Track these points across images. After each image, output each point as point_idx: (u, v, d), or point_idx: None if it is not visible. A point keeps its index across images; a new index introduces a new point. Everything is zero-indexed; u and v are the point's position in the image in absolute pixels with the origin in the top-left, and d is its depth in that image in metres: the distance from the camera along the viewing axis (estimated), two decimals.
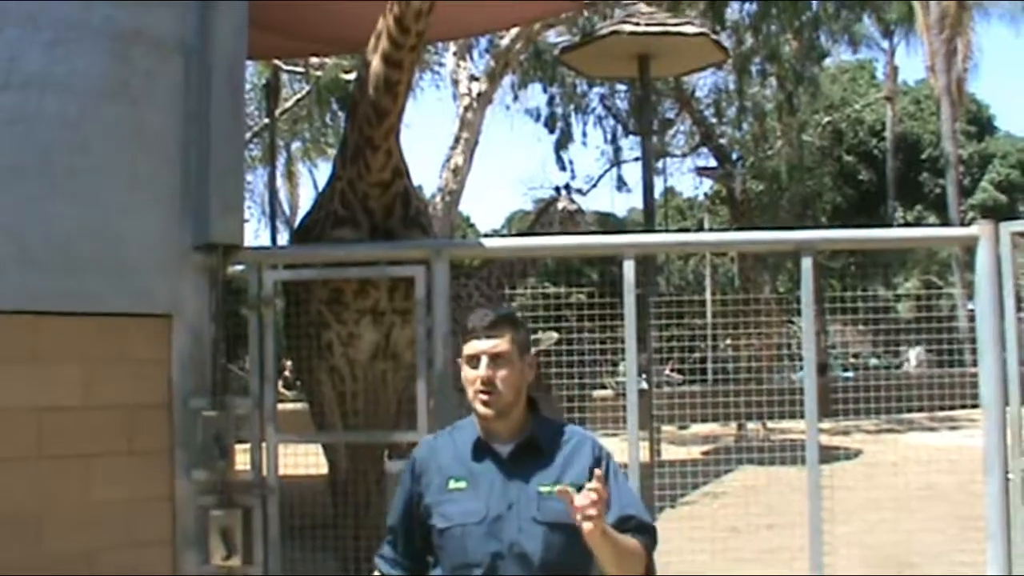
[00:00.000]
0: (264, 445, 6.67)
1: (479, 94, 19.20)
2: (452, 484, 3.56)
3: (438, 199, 17.69)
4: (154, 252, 6.48)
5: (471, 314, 3.66)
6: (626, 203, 58.79)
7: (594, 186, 35.70)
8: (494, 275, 12.37)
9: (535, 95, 31.06)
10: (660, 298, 12.41)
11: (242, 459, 6.69)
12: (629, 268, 6.75)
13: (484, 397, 3.52)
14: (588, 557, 3.39)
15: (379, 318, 7.52)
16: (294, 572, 6.94)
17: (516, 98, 30.08)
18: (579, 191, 16.22)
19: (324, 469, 8.08)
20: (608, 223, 26.88)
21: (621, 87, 30.40)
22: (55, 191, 6.21)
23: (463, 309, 10.53)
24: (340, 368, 7.65)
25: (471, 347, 3.57)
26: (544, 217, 14.53)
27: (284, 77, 27.32)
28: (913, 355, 14.94)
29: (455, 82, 20.67)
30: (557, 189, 15.17)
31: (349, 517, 7.34)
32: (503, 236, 37.28)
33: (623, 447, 7.13)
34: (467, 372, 3.58)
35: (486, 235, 42.31)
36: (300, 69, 26.74)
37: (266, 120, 26.01)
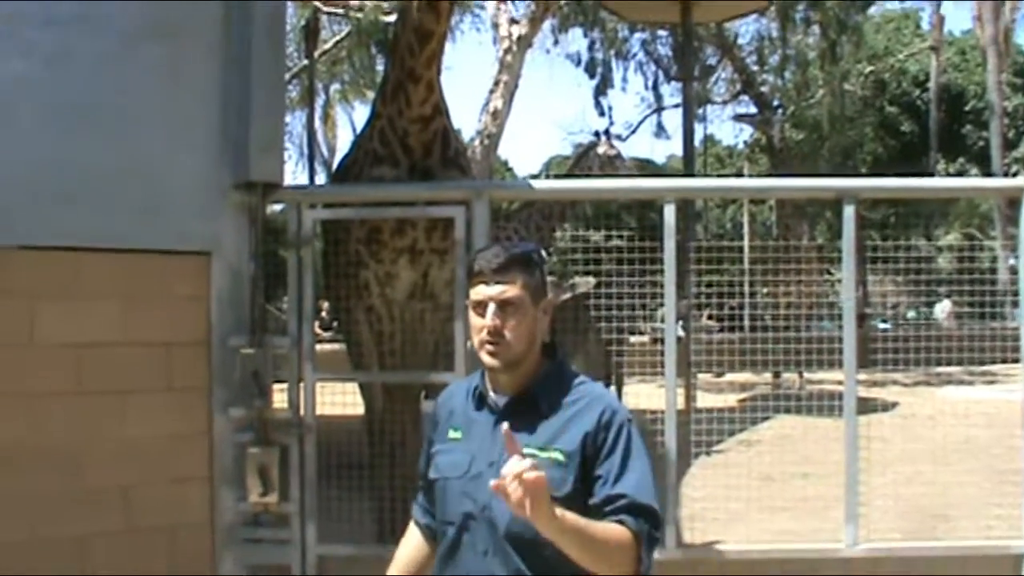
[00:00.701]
0: (302, 384, 6.70)
1: (519, 37, 19.04)
2: (451, 433, 3.28)
3: (477, 142, 17.61)
4: (194, 190, 6.50)
5: (479, 253, 3.25)
6: (664, 150, 58.61)
7: (633, 132, 35.64)
8: (533, 219, 12.33)
9: (575, 40, 30.92)
10: (699, 242, 12.35)
11: (279, 398, 6.72)
12: (670, 213, 6.71)
13: (491, 348, 3.13)
14: None
15: (417, 257, 7.50)
16: (330, 510, 6.98)
17: (556, 42, 29.90)
18: (618, 137, 16.13)
19: (360, 409, 8.10)
20: (647, 170, 26.66)
21: (662, 32, 30.18)
22: (95, 130, 6.23)
23: None
24: (377, 308, 7.64)
25: (477, 292, 3.17)
26: (583, 162, 14.47)
27: (323, 19, 27.21)
28: (939, 309, 14.78)
29: (495, 25, 20.50)
30: (597, 134, 15.10)
31: (385, 457, 7.37)
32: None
33: (660, 393, 7.11)
34: (473, 319, 3.18)
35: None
36: (339, 11, 26.60)
37: (305, 62, 25.99)
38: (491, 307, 3.12)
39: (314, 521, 6.68)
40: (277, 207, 7.37)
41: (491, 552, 3.09)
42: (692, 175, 16.01)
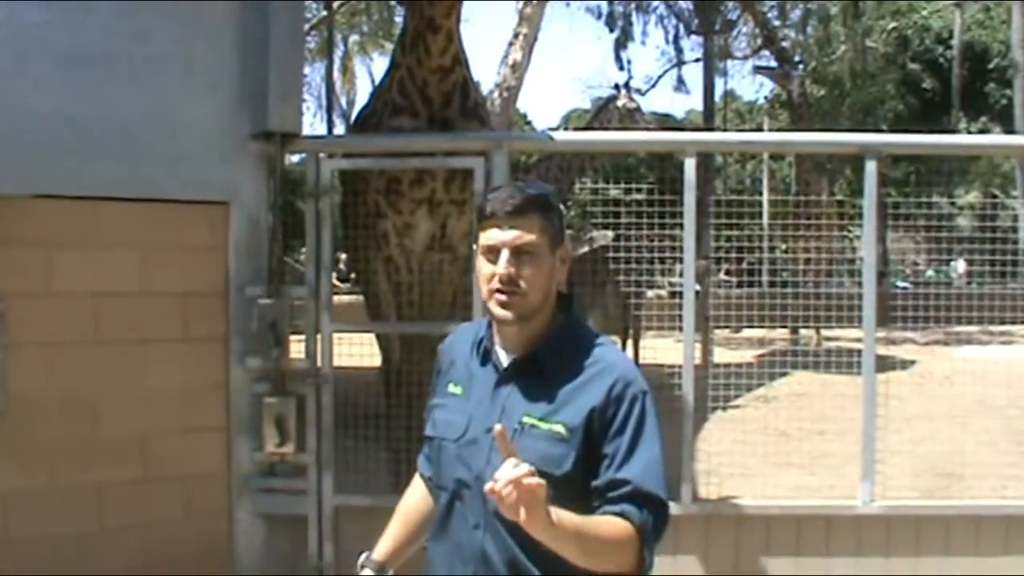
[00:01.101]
0: (319, 335, 6.70)
1: None
2: (451, 388, 3.00)
3: (496, 95, 17.53)
4: (212, 140, 6.49)
5: (491, 194, 2.92)
6: (684, 105, 58.32)
7: (653, 86, 35.42)
8: (551, 172, 12.30)
9: None
10: (718, 197, 12.31)
11: (296, 349, 6.72)
12: (690, 166, 6.67)
13: (503, 298, 2.80)
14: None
15: (435, 208, 7.48)
16: (346, 461, 7.00)
17: None
18: (637, 91, 16.06)
19: (377, 361, 8.11)
20: (666, 124, 26.57)
21: None
22: (114, 78, 6.23)
23: None
24: (395, 259, 7.63)
25: (489, 236, 2.83)
26: (603, 114, 14.44)
27: None
28: (953, 268, 14.72)
29: None
30: (616, 87, 15.06)
31: (402, 408, 7.37)
32: None
33: (677, 348, 7.11)
34: (482, 266, 2.85)
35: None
36: None
37: (323, 13, 25.87)
38: (505, 253, 2.80)
39: (330, 471, 6.70)
40: (295, 157, 7.35)
41: (482, 526, 2.82)
42: (712, 130, 15.96)
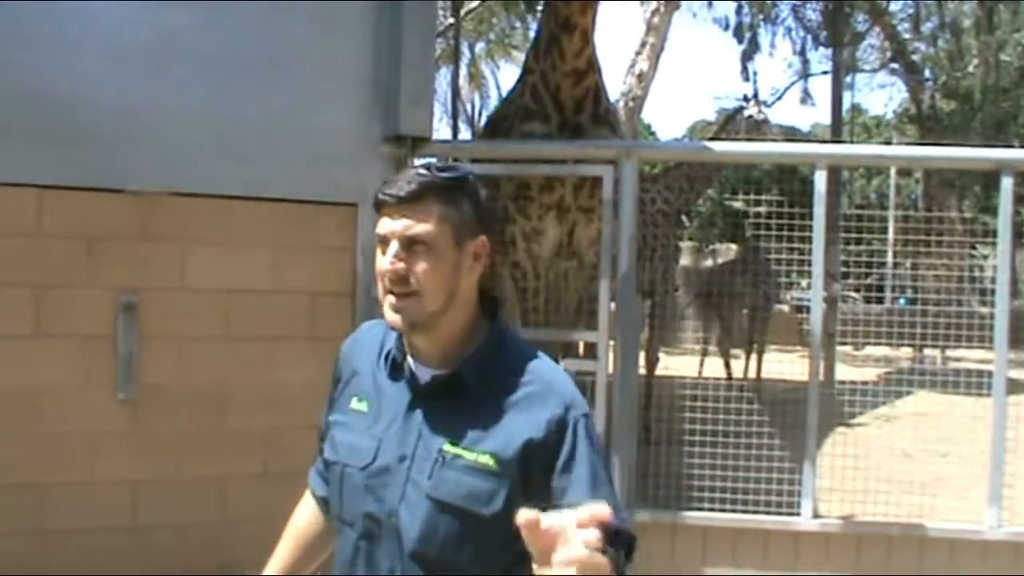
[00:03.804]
0: None
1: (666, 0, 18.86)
2: (354, 403, 2.53)
3: (621, 104, 17.52)
4: (344, 141, 6.56)
5: (387, 180, 2.44)
6: (809, 118, 57.69)
7: (779, 98, 35.07)
8: (677, 182, 12.24)
9: (723, 2, 30.55)
10: (844, 211, 12.16)
11: None
12: (821, 179, 6.60)
13: (394, 300, 2.35)
14: (486, 558, 2.31)
15: (563, 214, 7.50)
16: None
17: (710, 5, 29.57)
18: (764, 103, 15.89)
19: None
20: (792, 136, 26.30)
21: None
22: (250, 79, 6.34)
23: (644, 215, 10.48)
24: (522, 264, 7.65)
25: (380, 225, 2.38)
26: (730, 126, 14.34)
27: None
28: None
29: None
30: (745, 98, 14.94)
31: None
32: None
33: (795, 361, 7.03)
34: (377, 261, 2.40)
35: None
36: None
37: (451, 20, 26.06)
38: (393, 245, 2.35)
39: None
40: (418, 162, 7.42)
41: (399, 569, 2.38)
42: (840, 142, 15.76)
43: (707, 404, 6.87)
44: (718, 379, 8.58)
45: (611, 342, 6.66)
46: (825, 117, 29.80)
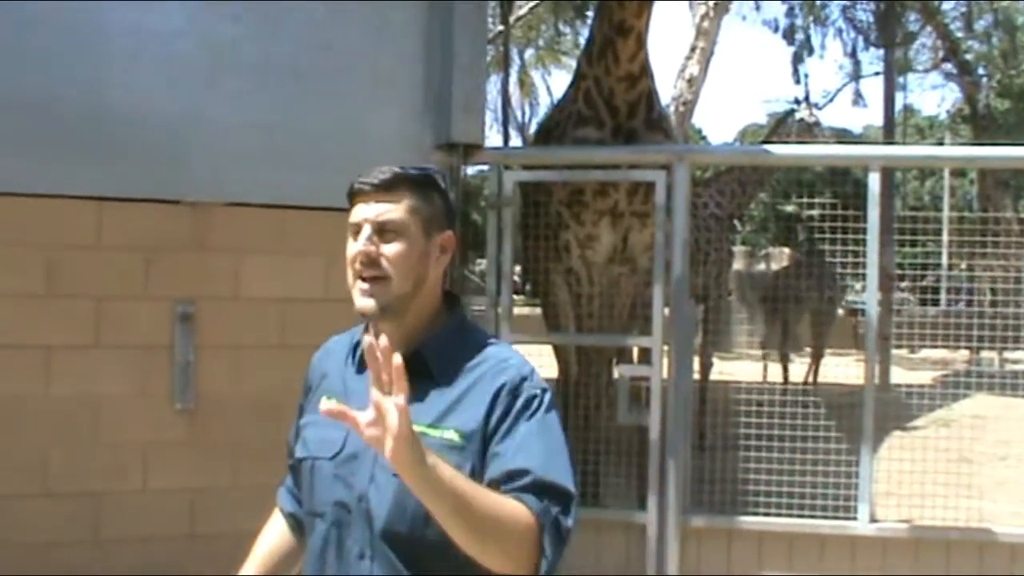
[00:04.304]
0: None
1: (716, 3, 18.80)
2: (324, 402, 2.45)
3: (672, 109, 17.48)
4: (397, 150, 6.57)
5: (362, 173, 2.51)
6: (861, 120, 57.34)
7: (831, 100, 34.92)
8: (729, 186, 12.20)
9: (773, 5, 30.47)
10: (898, 213, 12.08)
11: None
12: (874, 180, 6.56)
13: (365, 285, 2.42)
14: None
15: (618, 220, 7.49)
16: None
17: (758, 8, 29.45)
18: (815, 105, 15.81)
19: (552, 372, 8.14)
20: (844, 139, 26.14)
21: None
22: (302, 89, 6.39)
23: (697, 219, 10.45)
24: (577, 270, 7.65)
25: (354, 213, 2.48)
26: (781, 129, 14.27)
27: None
28: None
29: None
30: (797, 100, 14.87)
31: (579, 419, 7.39)
32: None
33: (850, 365, 6.98)
34: (348, 247, 2.47)
35: None
36: None
37: (500, 27, 26.13)
38: (366, 229, 2.44)
39: None
40: (470, 169, 7.44)
41: (368, 555, 2.41)
42: (893, 144, 15.65)
43: (762, 408, 6.83)
44: (773, 383, 8.54)
45: (665, 347, 6.65)
46: (877, 119, 29.59)
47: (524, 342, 7.23)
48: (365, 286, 2.42)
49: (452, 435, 2.35)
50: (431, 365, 2.44)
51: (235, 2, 6.29)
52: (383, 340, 2.08)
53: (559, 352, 8.08)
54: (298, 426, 2.70)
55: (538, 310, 8.59)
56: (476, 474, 2.30)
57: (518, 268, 10.65)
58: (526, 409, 2.37)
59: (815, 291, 7.42)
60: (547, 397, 2.43)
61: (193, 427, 6.10)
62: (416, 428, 2.19)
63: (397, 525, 2.36)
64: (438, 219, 2.52)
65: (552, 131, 8.00)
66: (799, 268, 12.98)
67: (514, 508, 2.22)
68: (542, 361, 7.97)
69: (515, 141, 31.45)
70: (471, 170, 7.97)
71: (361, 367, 2.51)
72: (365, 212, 2.44)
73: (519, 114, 38.05)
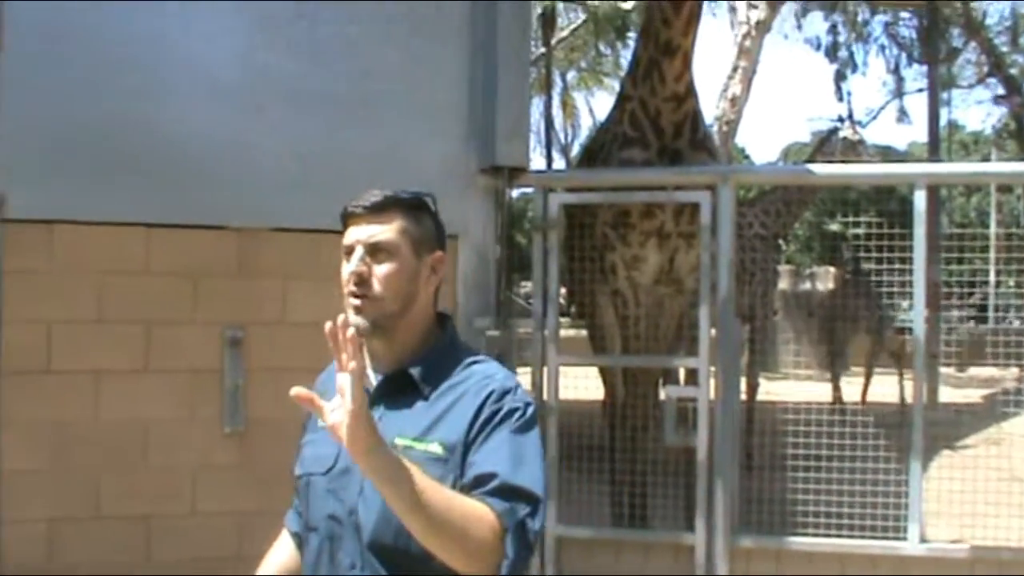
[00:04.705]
0: (545, 367, 6.76)
1: (757, 22, 18.79)
2: (321, 421, 2.48)
3: (715, 129, 17.46)
4: (442, 175, 6.60)
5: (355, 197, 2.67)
6: (905, 137, 57.04)
7: (874, 118, 34.68)
8: (774, 206, 12.17)
9: (814, 22, 30.31)
10: (945, 231, 12.01)
11: (521, 381, 6.78)
12: (920, 198, 6.52)
13: (357, 302, 2.56)
14: None
15: (664, 241, 7.47)
16: (569, 492, 7.03)
17: (800, 27, 29.34)
18: (859, 123, 15.72)
19: (598, 394, 8.14)
20: (889, 156, 25.94)
21: (905, 14, 29.32)
22: (346, 117, 6.45)
23: (742, 239, 10.43)
24: (623, 291, 7.63)
25: (347, 235, 2.63)
26: (825, 147, 14.22)
27: (560, 6, 27.35)
28: None
29: (732, 10, 20.28)
30: (840, 119, 14.81)
31: (626, 441, 7.38)
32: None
33: (893, 383, 6.92)
34: (343, 268, 2.63)
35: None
36: None
37: (542, 50, 26.20)
38: (359, 250, 2.58)
39: (553, 502, 6.73)
40: (519, 191, 7.46)
41: (359, 566, 2.52)
42: (938, 161, 15.55)
43: (810, 428, 6.80)
44: (820, 403, 8.50)
45: (712, 368, 6.63)
46: (922, 135, 29.35)
47: (570, 364, 7.24)
48: (357, 303, 2.57)
49: (436, 448, 2.46)
50: (419, 381, 2.57)
51: (280, 33, 6.36)
52: (341, 318, 2.26)
53: (605, 374, 8.08)
54: (300, 445, 2.82)
55: (584, 332, 8.58)
56: (457, 484, 2.39)
57: (564, 290, 10.69)
58: (504, 420, 2.46)
59: (868, 310, 7.36)
60: (530, 411, 2.53)
61: (242, 450, 6.15)
62: (402, 442, 2.45)
63: (383, 537, 2.46)
64: (428, 240, 2.67)
65: (596, 153, 8.00)
66: (851, 287, 12.95)
67: (476, 508, 2.30)
68: (588, 383, 7.98)
69: (558, 163, 31.47)
70: (516, 193, 7.99)
71: None
72: (357, 234, 2.60)
73: (562, 136, 38.10)
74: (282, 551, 2.95)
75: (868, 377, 13.92)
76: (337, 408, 2.23)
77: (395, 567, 2.46)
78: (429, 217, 2.70)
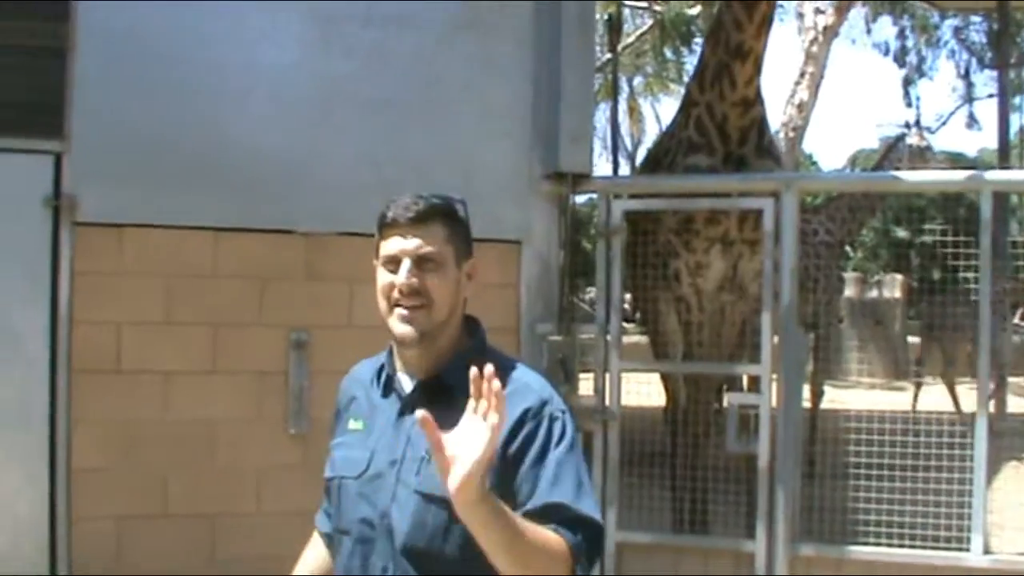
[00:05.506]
0: (607, 372, 6.77)
1: (825, 27, 18.66)
2: (351, 424, 2.76)
3: (782, 135, 17.36)
4: (506, 180, 6.67)
5: (393, 202, 2.65)
6: (975, 143, 56.37)
7: (943, 124, 34.29)
8: (839, 213, 12.08)
9: (883, 27, 30.07)
10: (1013, 238, 11.87)
11: (584, 386, 6.81)
12: (986, 205, 6.45)
13: (405, 312, 2.57)
14: (470, 547, 2.34)
15: (728, 247, 7.44)
16: (630, 498, 7.05)
17: (869, 31, 29.12)
18: (928, 129, 15.53)
19: (659, 400, 8.15)
20: (958, 163, 25.61)
21: (976, 18, 28.98)
22: (411, 122, 6.53)
23: (807, 246, 10.37)
24: (687, 298, 7.61)
25: (390, 245, 2.61)
26: (892, 153, 14.08)
27: (626, 12, 27.29)
28: None
29: (800, 15, 20.17)
30: (907, 125, 14.66)
31: (687, 447, 7.37)
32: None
33: (972, 395, 6.87)
34: (382, 278, 2.63)
35: None
36: (643, 4, 26.65)
37: (608, 55, 26.18)
38: (406, 262, 2.58)
39: (615, 507, 6.74)
40: (579, 198, 7.48)
41: (391, 569, 2.54)
42: (1008, 168, 15.37)
43: (872, 437, 6.75)
44: (883, 411, 8.41)
45: (774, 375, 6.62)
46: (992, 141, 29.02)
47: (633, 370, 7.25)
48: (405, 312, 2.58)
49: None
50: (454, 389, 2.49)
51: (345, 39, 6.46)
52: (488, 369, 2.20)
53: (667, 380, 8.08)
54: (331, 447, 2.83)
55: (647, 338, 8.58)
56: (493, 488, 2.33)
57: (627, 296, 10.69)
58: (551, 434, 2.49)
59: (973, 318, 7.32)
60: (568, 420, 2.55)
61: (307, 451, 6.22)
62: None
63: (417, 540, 2.49)
64: (465, 248, 2.72)
65: (661, 159, 7.97)
66: (955, 296, 12.90)
67: (553, 541, 2.36)
68: (650, 389, 7.99)
69: (624, 169, 31.39)
70: (580, 199, 8.01)
71: (386, 391, 2.72)
72: (404, 245, 2.60)
73: (628, 142, 37.99)
74: (316, 551, 2.98)
75: (952, 386, 13.73)
76: (463, 454, 2.18)
77: (428, 570, 2.49)
78: (462, 225, 2.72)
